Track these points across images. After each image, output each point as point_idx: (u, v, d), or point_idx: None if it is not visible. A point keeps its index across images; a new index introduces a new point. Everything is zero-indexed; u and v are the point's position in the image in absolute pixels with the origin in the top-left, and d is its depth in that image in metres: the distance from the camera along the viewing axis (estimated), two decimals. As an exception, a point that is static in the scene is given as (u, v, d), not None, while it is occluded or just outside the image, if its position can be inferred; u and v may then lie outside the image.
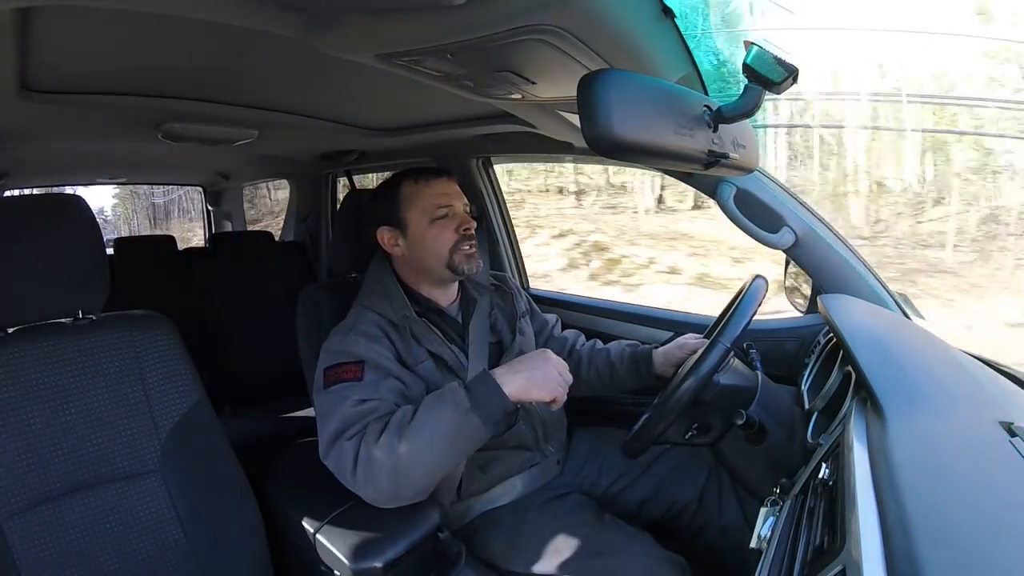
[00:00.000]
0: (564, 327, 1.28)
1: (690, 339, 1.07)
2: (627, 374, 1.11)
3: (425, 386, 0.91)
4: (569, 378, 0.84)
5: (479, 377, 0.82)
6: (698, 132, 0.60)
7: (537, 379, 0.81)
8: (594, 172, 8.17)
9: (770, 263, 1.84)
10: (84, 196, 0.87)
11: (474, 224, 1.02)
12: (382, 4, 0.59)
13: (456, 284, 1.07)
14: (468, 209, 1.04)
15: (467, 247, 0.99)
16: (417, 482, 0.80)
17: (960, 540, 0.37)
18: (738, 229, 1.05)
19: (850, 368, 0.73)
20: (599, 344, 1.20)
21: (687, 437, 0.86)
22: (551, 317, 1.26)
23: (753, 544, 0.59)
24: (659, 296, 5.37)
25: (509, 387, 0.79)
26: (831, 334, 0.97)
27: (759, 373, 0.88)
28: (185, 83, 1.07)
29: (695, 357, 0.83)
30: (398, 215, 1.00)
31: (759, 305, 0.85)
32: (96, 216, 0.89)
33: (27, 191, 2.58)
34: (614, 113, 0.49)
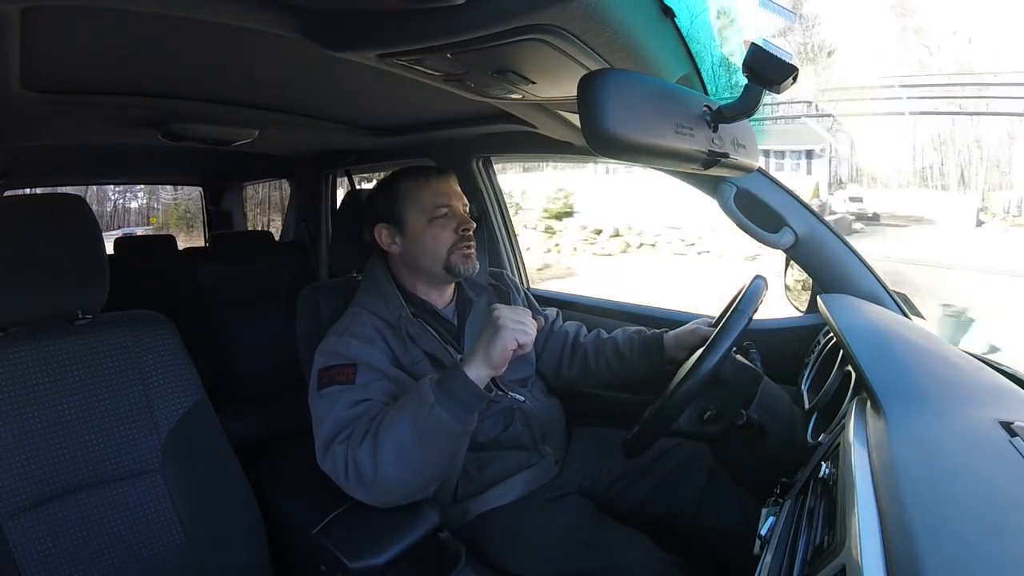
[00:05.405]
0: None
1: (701, 326, 1.06)
2: (638, 361, 1.10)
3: None
4: (524, 327, 0.79)
5: (449, 370, 0.81)
6: (698, 132, 0.59)
7: (492, 353, 0.78)
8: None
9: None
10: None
11: (473, 225, 1.01)
12: (382, 4, 0.59)
13: (452, 285, 1.07)
14: (467, 209, 1.03)
15: (465, 248, 0.99)
16: (400, 483, 0.79)
17: (960, 539, 0.37)
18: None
19: (850, 368, 0.74)
20: (604, 334, 1.18)
21: (705, 417, 0.85)
22: (550, 312, 1.25)
23: (756, 550, 0.59)
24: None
25: (472, 371, 0.78)
26: (831, 334, 0.97)
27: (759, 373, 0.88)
28: (185, 83, 1.07)
29: (695, 357, 0.83)
30: (397, 213, 1.00)
31: (759, 304, 0.85)
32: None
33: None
34: (614, 113, 0.49)
